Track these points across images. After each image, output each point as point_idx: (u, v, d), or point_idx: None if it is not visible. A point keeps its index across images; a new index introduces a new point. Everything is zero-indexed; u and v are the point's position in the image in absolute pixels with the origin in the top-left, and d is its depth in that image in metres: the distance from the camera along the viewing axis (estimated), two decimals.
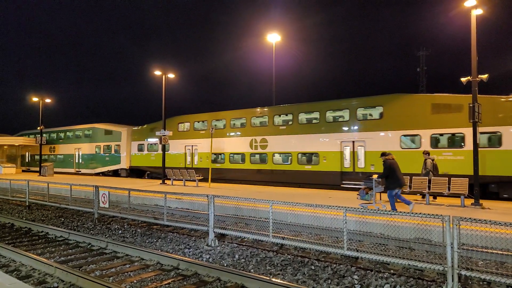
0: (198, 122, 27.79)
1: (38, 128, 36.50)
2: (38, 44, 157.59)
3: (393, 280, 6.75)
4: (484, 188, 16.01)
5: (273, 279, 6.33)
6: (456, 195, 13.66)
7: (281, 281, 6.22)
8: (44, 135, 37.53)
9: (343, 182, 17.93)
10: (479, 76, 13.73)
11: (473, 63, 13.73)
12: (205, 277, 6.80)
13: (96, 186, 13.06)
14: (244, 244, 9.60)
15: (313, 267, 7.59)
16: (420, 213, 6.69)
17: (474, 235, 8.66)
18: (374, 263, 7.75)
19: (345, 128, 20.57)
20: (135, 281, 6.66)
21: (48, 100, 36.87)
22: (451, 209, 12.76)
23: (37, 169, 37.19)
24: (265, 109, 24.37)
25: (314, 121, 22.07)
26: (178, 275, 7.01)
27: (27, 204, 16.59)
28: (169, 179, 24.11)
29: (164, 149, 24.53)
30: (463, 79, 14.07)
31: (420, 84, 57.10)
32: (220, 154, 25.85)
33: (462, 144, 16.76)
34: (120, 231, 11.44)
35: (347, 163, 20.33)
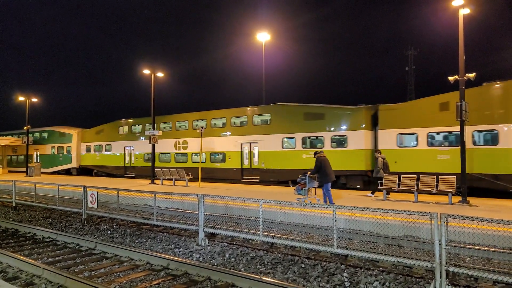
0: (135, 125, 31.43)
1: (25, 128, 36.00)
2: (22, 43, 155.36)
3: (382, 277, 6.81)
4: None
5: (264, 278, 6.33)
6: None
7: (272, 280, 6.23)
8: (16, 136, 39.29)
9: (243, 177, 23.77)
10: (467, 75, 13.90)
11: (460, 62, 13.89)
12: (195, 277, 6.77)
13: (84, 186, 12.92)
14: (234, 243, 9.59)
15: (303, 266, 7.62)
16: (408, 211, 6.75)
17: (461, 232, 8.79)
18: (363, 260, 7.80)
19: (244, 131, 24.54)
20: (124, 282, 6.61)
21: (35, 100, 36.37)
22: (439, 206, 12.91)
23: (22, 169, 37.97)
24: (186, 114, 27.75)
25: (221, 125, 25.85)
26: (168, 275, 6.97)
27: (13, 205, 16.35)
28: (159, 178, 24.02)
29: (153, 148, 24.38)
30: (451, 78, 14.24)
31: (408, 83, 57.67)
32: (149, 154, 27.49)
33: (321, 144, 20.78)
34: (109, 232, 11.34)
35: (246, 161, 24.29)
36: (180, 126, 28.01)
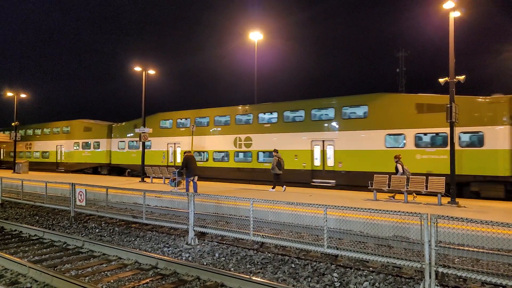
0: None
1: (13, 124, 35.48)
2: (13, 39, 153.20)
3: (372, 277, 6.81)
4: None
5: (253, 278, 6.29)
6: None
7: (261, 280, 6.19)
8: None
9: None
10: (457, 77, 14.02)
11: (450, 64, 14.00)
12: (184, 276, 6.70)
13: (72, 183, 12.74)
14: (224, 242, 9.54)
15: (293, 265, 7.59)
16: (398, 211, 6.76)
17: (451, 233, 8.85)
18: (353, 260, 7.81)
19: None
20: (112, 281, 6.51)
21: (23, 95, 35.85)
22: (428, 207, 13.00)
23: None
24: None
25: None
26: (156, 274, 6.90)
27: (0, 202, 16.07)
28: (149, 177, 23.82)
29: (143, 146, 24.20)
30: (441, 80, 14.36)
31: (399, 84, 58.03)
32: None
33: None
34: (97, 230, 11.20)
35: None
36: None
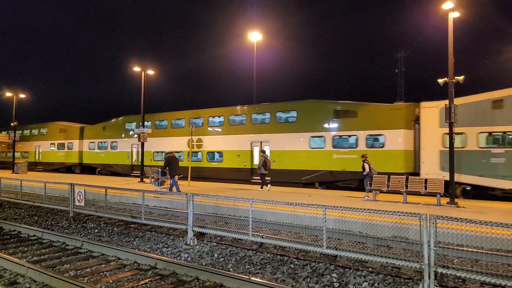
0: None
1: (12, 124, 35.41)
2: (12, 39, 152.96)
3: (371, 278, 6.81)
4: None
5: (252, 278, 6.28)
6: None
7: (260, 280, 6.18)
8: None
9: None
10: (456, 77, 14.03)
11: (450, 64, 14.01)
12: (183, 277, 6.69)
13: (71, 184, 12.72)
14: (223, 243, 9.53)
15: (292, 266, 7.59)
16: (398, 212, 6.76)
17: (450, 233, 8.86)
18: (352, 261, 7.81)
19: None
20: (111, 281, 6.50)
21: (22, 96, 35.78)
22: (427, 207, 13.01)
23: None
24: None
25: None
26: (155, 274, 6.88)
27: None
28: (148, 177, 23.78)
29: (143, 146, 24.17)
30: (440, 81, 14.37)
31: (398, 85, 58.14)
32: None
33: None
34: (96, 230, 11.18)
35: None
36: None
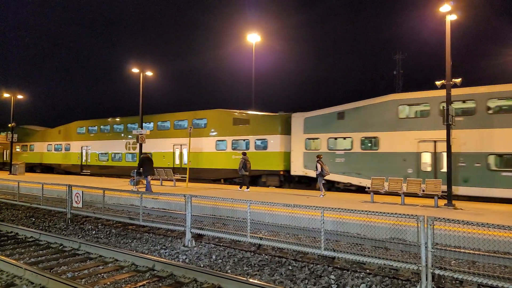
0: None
1: (9, 125, 35.28)
2: (12, 41, 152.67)
3: (369, 279, 6.82)
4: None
5: (250, 280, 6.28)
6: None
7: (258, 282, 6.18)
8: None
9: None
10: (453, 79, 14.08)
11: (447, 67, 14.06)
12: (181, 278, 6.69)
13: (69, 185, 12.70)
14: (221, 244, 9.52)
15: (290, 267, 7.59)
16: (395, 213, 6.78)
17: (447, 235, 8.88)
18: (350, 262, 7.81)
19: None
20: (108, 283, 6.49)
21: (20, 97, 35.67)
22: (425, 209, 13.03)
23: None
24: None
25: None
26: (153, 276, 6.88)
27: None
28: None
29: (141, 148, 24.13)
30: (438, 83, 14.41)
31: (396, 86, 58.20)
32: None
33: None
34: (93, 232, 11.16)
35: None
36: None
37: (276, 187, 22.19)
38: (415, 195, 14.31)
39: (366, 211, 7.57)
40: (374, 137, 18.90)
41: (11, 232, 10.82)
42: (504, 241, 8.14)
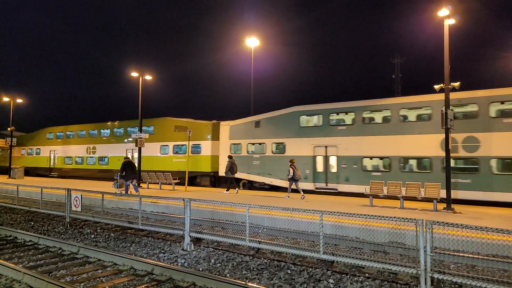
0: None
1: (9, 129, 35.30)
2: (11, 46, 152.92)
3: (368, 283, 6.81)
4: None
5: (249, 284, 6.27)
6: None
7: (257, 286, 6.18)
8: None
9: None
10: (452, 83, 14.12)
11: (445, 70, 14.10)
12: (180, 282, 6.68)
13: (68, 189, 12.69)
14: (220, 248, 9.51)
15: (289, 271, 7.58)
16: (394, 217, 6.78)
17: (446, 238, 8.88)
18: (349, 266, 7.81)
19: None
20: (107, 287, 6.48)
21: (19, 100, 35.70)
22: (424, 213, 13.03)
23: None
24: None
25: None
26: (152, 280, 6.87)
27: None
28: (145, 182, 23.77)
29: (140, 152, 24.12)
30: (436, 86, 14.44)
31: (395, 90, 58.32)
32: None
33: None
34: (92, 236, 11.14)
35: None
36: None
37: (208, 187, 25.07)
38: (414, 199, 14.32)
39: (365, 215, 7.58)
40: (282, 143, 21.97)
41: (10, 236, 10.80)
42: (503, 245, 8.16)
